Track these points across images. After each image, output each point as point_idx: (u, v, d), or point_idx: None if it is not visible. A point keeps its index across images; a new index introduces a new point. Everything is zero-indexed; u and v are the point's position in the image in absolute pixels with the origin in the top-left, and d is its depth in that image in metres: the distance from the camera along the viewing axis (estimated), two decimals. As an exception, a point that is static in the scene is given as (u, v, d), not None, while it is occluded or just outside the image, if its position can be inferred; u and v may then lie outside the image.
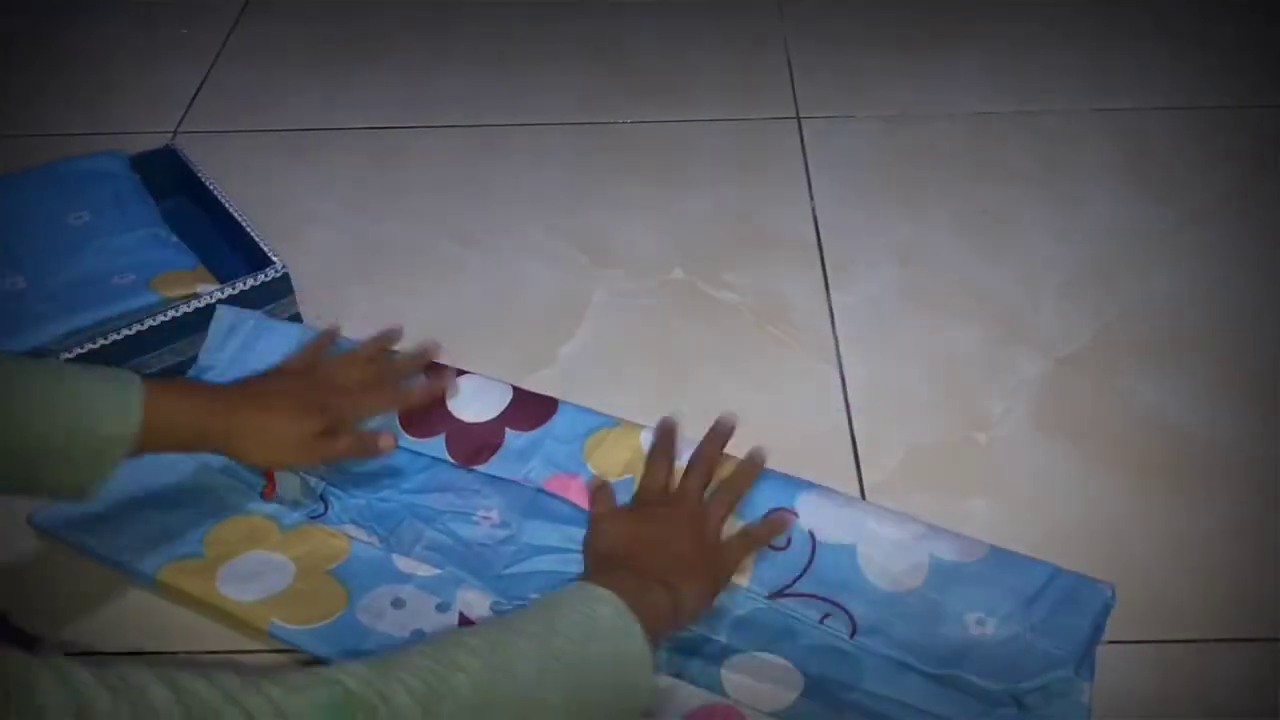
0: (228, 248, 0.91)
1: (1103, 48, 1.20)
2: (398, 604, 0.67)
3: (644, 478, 0.67)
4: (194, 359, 0.83)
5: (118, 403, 0.57)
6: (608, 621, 0.51)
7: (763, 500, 0.68)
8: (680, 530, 0.61)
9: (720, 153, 1.06)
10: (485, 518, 0.71)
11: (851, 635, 0.64)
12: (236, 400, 0.63)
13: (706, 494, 0.65)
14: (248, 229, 0.87)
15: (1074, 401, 0.81)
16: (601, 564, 0.60)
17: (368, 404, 0.69)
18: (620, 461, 0.72)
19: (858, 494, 0.75)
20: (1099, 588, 0.63)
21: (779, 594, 0.66)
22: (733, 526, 0.65)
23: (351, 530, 0.71)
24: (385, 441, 0.68)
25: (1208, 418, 0.80)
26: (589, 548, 0.63)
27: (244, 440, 0.62)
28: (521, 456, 0.74)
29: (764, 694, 0.62)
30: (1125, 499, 0.74)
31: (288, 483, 0.73)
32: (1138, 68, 1.16)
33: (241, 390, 0.65)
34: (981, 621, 0.63)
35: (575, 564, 0.66)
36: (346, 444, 0.66)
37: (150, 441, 0.58)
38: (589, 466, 0.72)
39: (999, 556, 0.66)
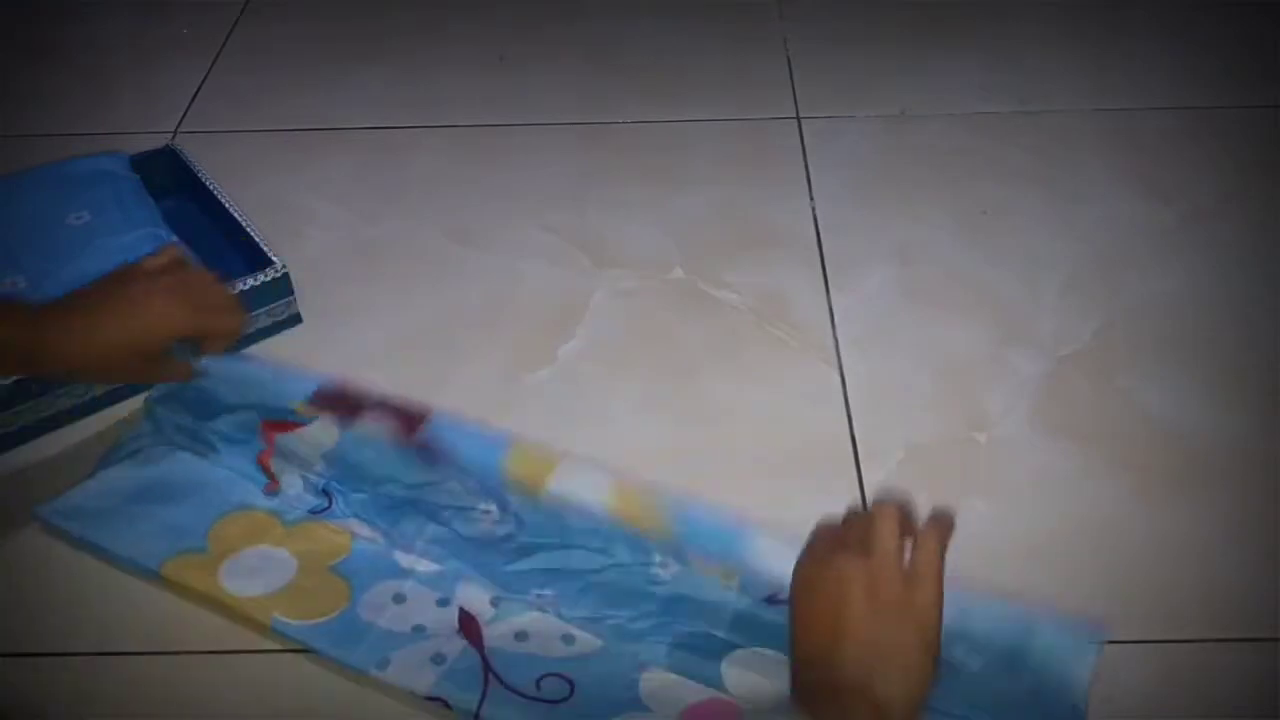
0: (228, 248, 0.91)
1: (1103, 48, 1.20)
2: (399, 599, 0.67)
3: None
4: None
5: None
6: None
7: (707, 540, 0.63)
8: (889, 607, 0.47)
9: (720, 153, 1.06)
10: (486, 513, 0.71)
11: None
12: (74, 311, 0.60)
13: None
14: (248, 229, 0.87)
15: (1074, 401, 0.81)
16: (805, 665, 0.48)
17: (219, 322, 0.67)
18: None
19: (858, 494, 0.75)
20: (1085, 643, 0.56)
21: (772, 600, 0.65)
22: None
23: (355, 525, 0.71)
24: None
25: (1208, 417, 0.80)
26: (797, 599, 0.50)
27: (59, 352, 0.59)
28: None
29: (765, 689, 0.62)
30: (1125, 498, 0.74)
31: (289, 478, 0.73)
32: (1138, 68, 1.16)
33: (74, 299, 0.61)
34: (967, 654, 0.60)
35: (577, 559, 0.66)
36: (182, 367, 0.66)
37: None
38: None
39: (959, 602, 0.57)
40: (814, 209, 0.99)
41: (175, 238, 0.89)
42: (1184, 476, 0.76)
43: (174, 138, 1.08)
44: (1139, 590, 0.69)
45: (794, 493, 0.75)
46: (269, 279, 0.83)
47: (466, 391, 0.83)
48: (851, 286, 0.91)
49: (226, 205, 0.90)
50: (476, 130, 1.10)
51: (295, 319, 0.88)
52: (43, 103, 1.14)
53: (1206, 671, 0.65)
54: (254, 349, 0.86)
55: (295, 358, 0.85)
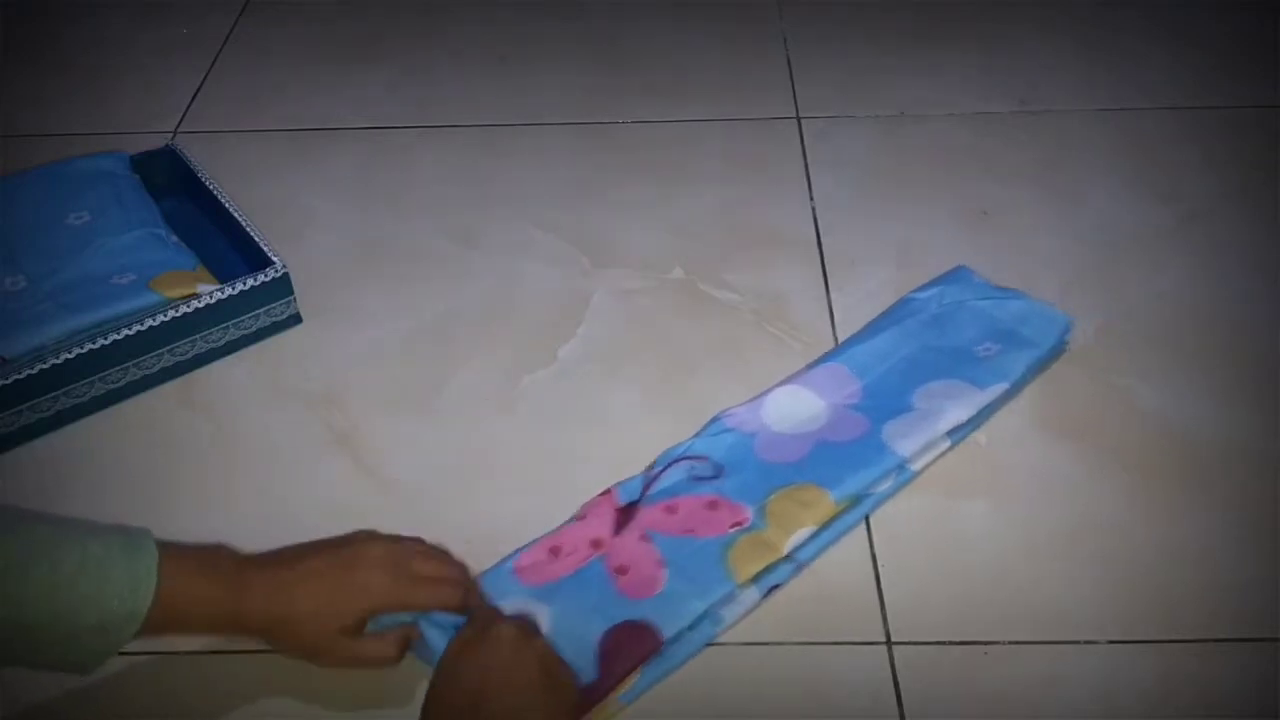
0: (228, 248, 0.91)
1: (1102, 48, 1.20)
2: None
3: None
4: (194, 359, 0.84)
5: (127, 576, 0.51)
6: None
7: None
8: None
9: (720, 153, 1.06)
10: None
11: None
12: (273, 575, 0.56)
13: None
14: (248, 229, 0.87)
15: (1074, 401, 0.81)
16: None
17: (432, 595, 0.60)
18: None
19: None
20: None
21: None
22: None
23: None
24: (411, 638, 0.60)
25: (1208, 417, 0.80)
26: None
27: (286, 626, 0.55)
28: None
29: None
30: (1125, 498, 0.74)
31: None
32: (1138, 68, 1.16)
33: (277, 560, 0.57)
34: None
35: None
36: (395, 642, 0.59)
37: (166, 621, 0.52)
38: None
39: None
40: (814, 209, 0.99)
41: (175, 237, 0.89)
42: (1184, 476, 0.76)
43: (174, 138, 1.08)
44: (1139, 590, 0.69)
45: (794, 493, 0.75)
46: (269, 279, 0.83)
47: (466, 391, 0.83)
48: (851, 286, 0.91)
49: (226, 205, 0.90)
50: (476, 130, 1.10)
51: (295, 319, 0.88)
52: (43, 103, 1.14)
53: (1206, 671, 0.65)
54: (253, 349, 0.86)
55: (295, 358, 0.86)
